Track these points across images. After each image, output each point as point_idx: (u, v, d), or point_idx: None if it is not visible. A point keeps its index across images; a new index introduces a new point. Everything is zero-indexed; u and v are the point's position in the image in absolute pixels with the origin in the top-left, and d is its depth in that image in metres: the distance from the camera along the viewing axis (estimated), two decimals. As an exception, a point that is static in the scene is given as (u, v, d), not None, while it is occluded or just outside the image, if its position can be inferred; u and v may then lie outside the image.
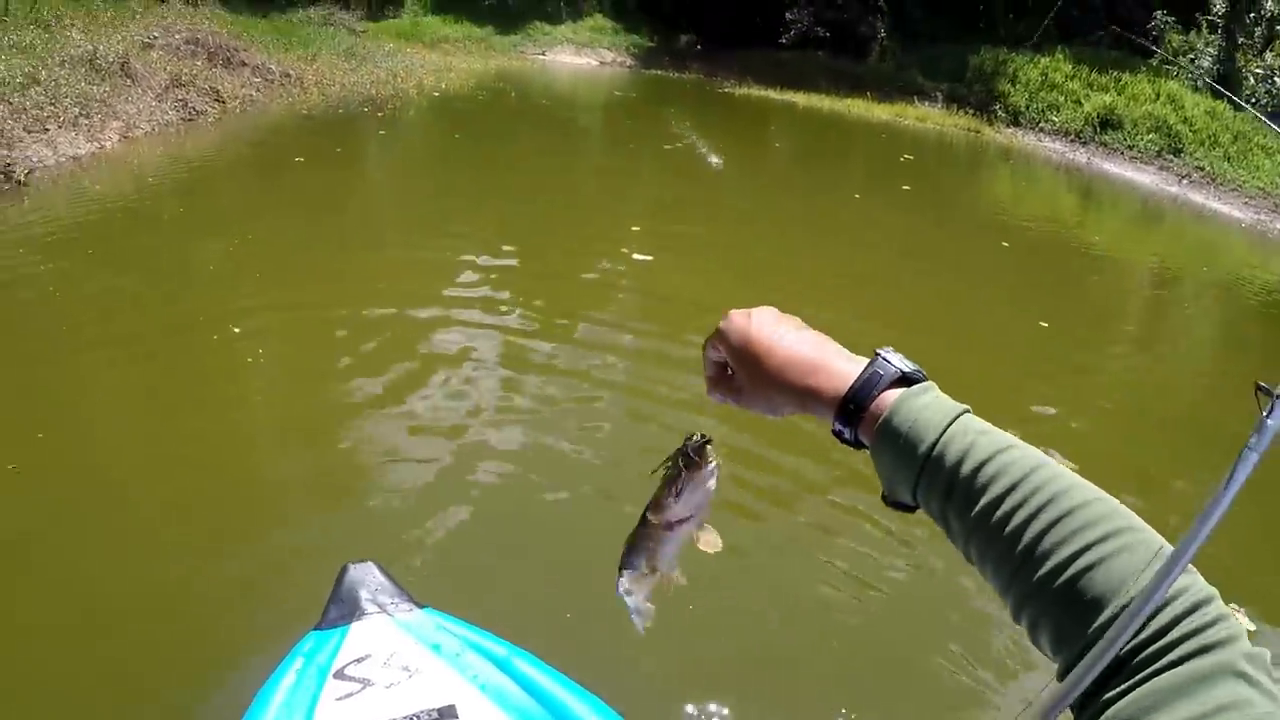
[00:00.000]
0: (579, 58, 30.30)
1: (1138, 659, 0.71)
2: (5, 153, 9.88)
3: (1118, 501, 0.81)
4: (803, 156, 18.45)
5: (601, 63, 30.20)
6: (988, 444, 0.87)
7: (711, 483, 1.13)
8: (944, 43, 27.37)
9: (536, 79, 25.72)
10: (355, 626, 2.57)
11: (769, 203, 13.24)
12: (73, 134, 11.47)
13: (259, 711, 2.30)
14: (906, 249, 11.37)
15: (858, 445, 0.98)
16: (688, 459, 1.12)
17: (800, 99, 24.31)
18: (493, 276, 8.32)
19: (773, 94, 24.90)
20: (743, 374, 1.07)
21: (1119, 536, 0.77)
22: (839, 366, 0.99)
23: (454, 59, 25.51)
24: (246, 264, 8.16)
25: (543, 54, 30.08)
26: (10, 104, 10.86)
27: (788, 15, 28.48)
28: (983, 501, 0.84)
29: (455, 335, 6.97)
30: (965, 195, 16.36)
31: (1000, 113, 23.81)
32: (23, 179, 9.82)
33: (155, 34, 16.23)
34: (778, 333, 1.04)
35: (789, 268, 9.97)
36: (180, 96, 14.31)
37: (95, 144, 11.70)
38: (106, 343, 6.34)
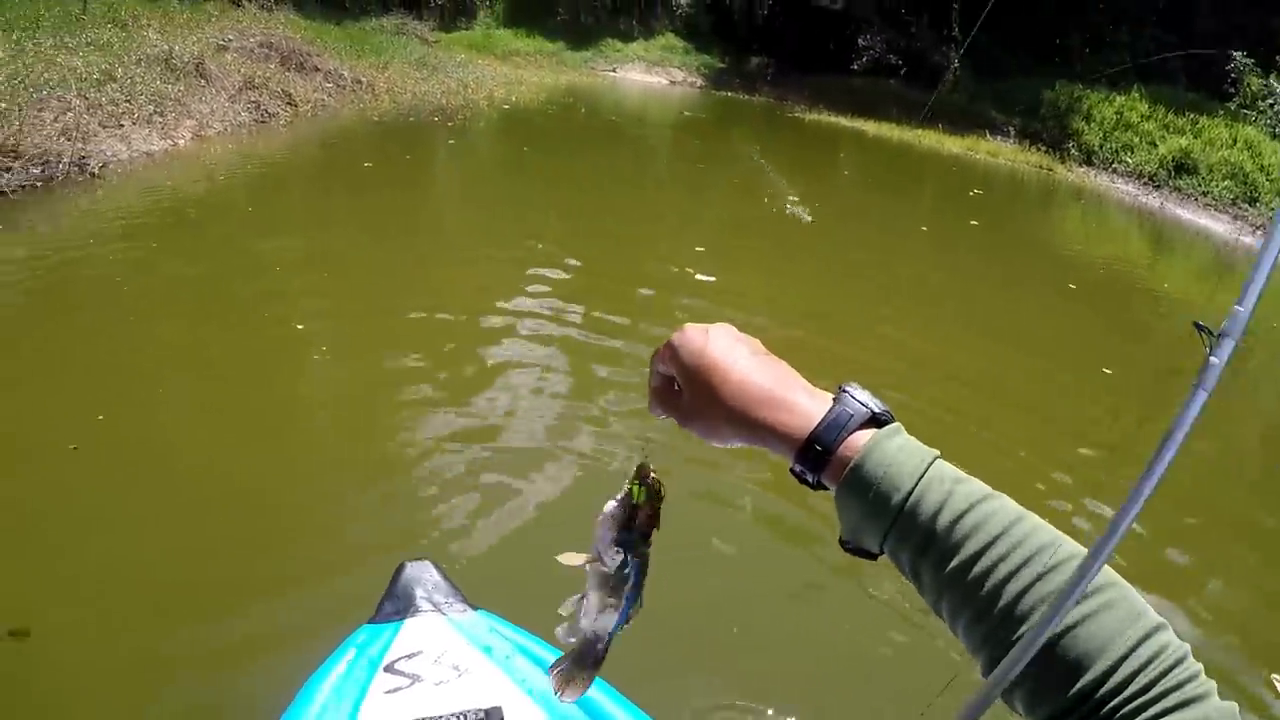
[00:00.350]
0: (649, 76, 30.30)
1: (1123, 712, 0.71)
2: (80, 146, 9.93)
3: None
4: (871, 185, 18.06)
5: (672, 82, 30.16)
6: (965, 494, 0.83)
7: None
8: (1018, 76, 26.93)
9: (606, 95, 25.66)
10: (409, 623, 2.58)
11: (833, 230, 12.87)
12: (147, 130, 11.53)
13: (308, 698, 2.32)
14: (969, 285, 10.97)
15: (817, 487, 0.92)
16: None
17: (870, 127, 24.01)
18: (555, 288, 8.12)
19: (843, 120, 24.64)
20: (691, 395, 0.98)
21: (1101, 594, 0.75)
22: (800, 402, 0.92)
23: (525, 72, 25.60)
24: (312, 263, 8.12)
25: (613, 71, 30.11)
26: (87, 99, 10.93)
27: (860, 41, 28.29)
28: (960, 556, 0.80)
29: (517, 343, 6.88)
30: (1033, 233, 15.84)
31: (1073, 151, 23.25)
32: (96, 172, 9.88)
33: (230, 37, 16.39)
34: (733, 355, 0.96)
35: (847, 295, 9.64)
36: (253, 98, 14.40)
37: (169, 141, 11.76)
38: (170, 331, 6.34)
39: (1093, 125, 23.60)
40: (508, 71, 24.71)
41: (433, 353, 6.56)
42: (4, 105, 9.30)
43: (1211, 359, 0.75)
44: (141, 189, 9.89)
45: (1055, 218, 18.23)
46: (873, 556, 0.91)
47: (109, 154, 10.44)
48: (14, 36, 12.25)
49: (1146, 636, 0.73)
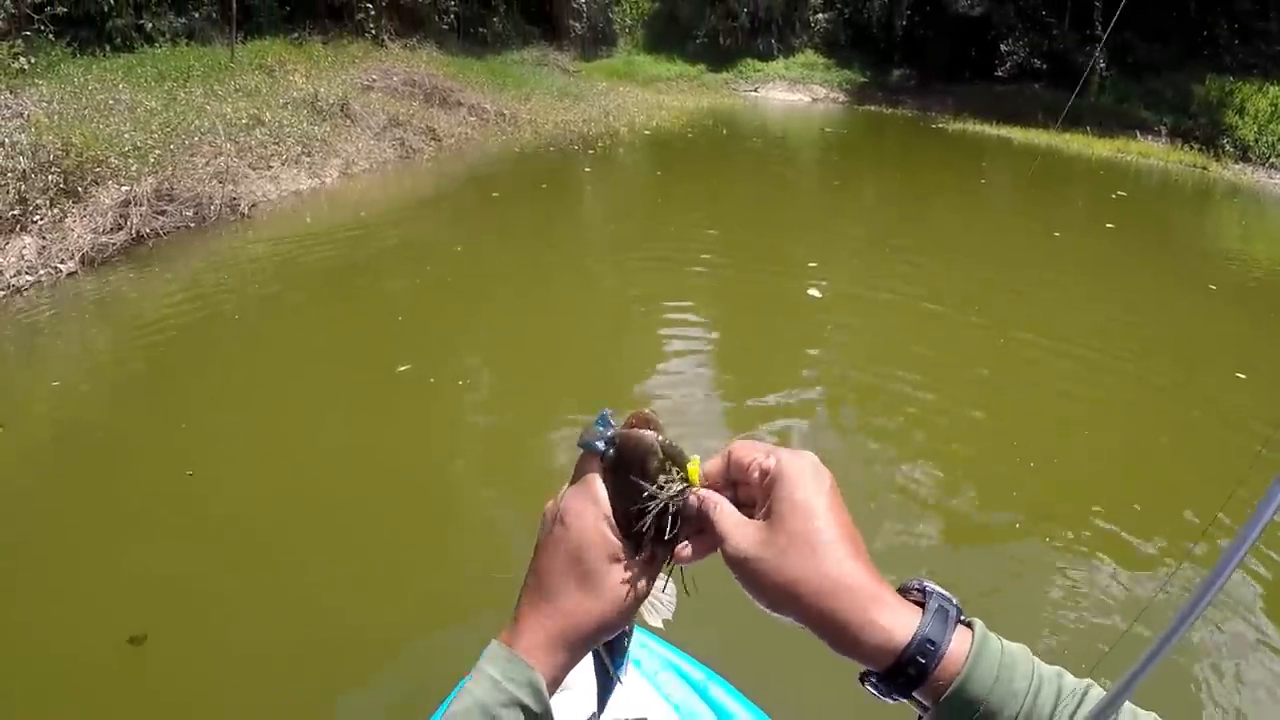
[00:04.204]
0: (791, 94, 29.94)
1: None
2: (231, 188, 10.21)
3: None
4: (1011, 194, 17.10)
5: (814, 99, 29.71)
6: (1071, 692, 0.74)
7: None
8: (1167, 72, 25.52)
9: (747, 116, 25.35)
10: None
11: (962, 241, 12.05)
12: (295, 171, 11.81)
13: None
14: (1093, 290, 10.01)
15: (892, 700, 0.78)
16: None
17: (1017, 134, 23.01)
18: (684, 313, 7.99)
19: (987, 129, 23.74)
20: (777, 532, 0.80)
21: None
22: (890, 604, 0.77)
23: (666, 97, 25.56)
24: (450, 294, 8.19)
25: (755, 90, 29.89)
26: (237, 143, 11.26)
27: (1002, 47, 27.36)
28: None
29: (653, 365, 6.87)
30: (1176, 235, 14.68)
31: (1228, 147, 21.62)
32: (247, 212, 10.15)
33: (374, 77, 16.79)
34: (831, 519, 0.80)
35: (958, 303, 8.88)
36: (397, 135, 14.67)
37: (316, 180, 12.02)
38: (310, 367, 6.55)
39: (1246, 119, 22.01)
40: (649, 97, 24.70)
41: (566, 378, 6.64)
42: (159, 152, 9.57)
43: None
44: (290, 226, 10.09)
45: (1204, 217, 16.97)
46: None
47: (259, 194, 10.71)
48: (166, 86, 12.75)
49: None
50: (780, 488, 0.80)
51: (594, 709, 1.05)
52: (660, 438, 0.85)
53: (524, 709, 0.80)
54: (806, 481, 0.80)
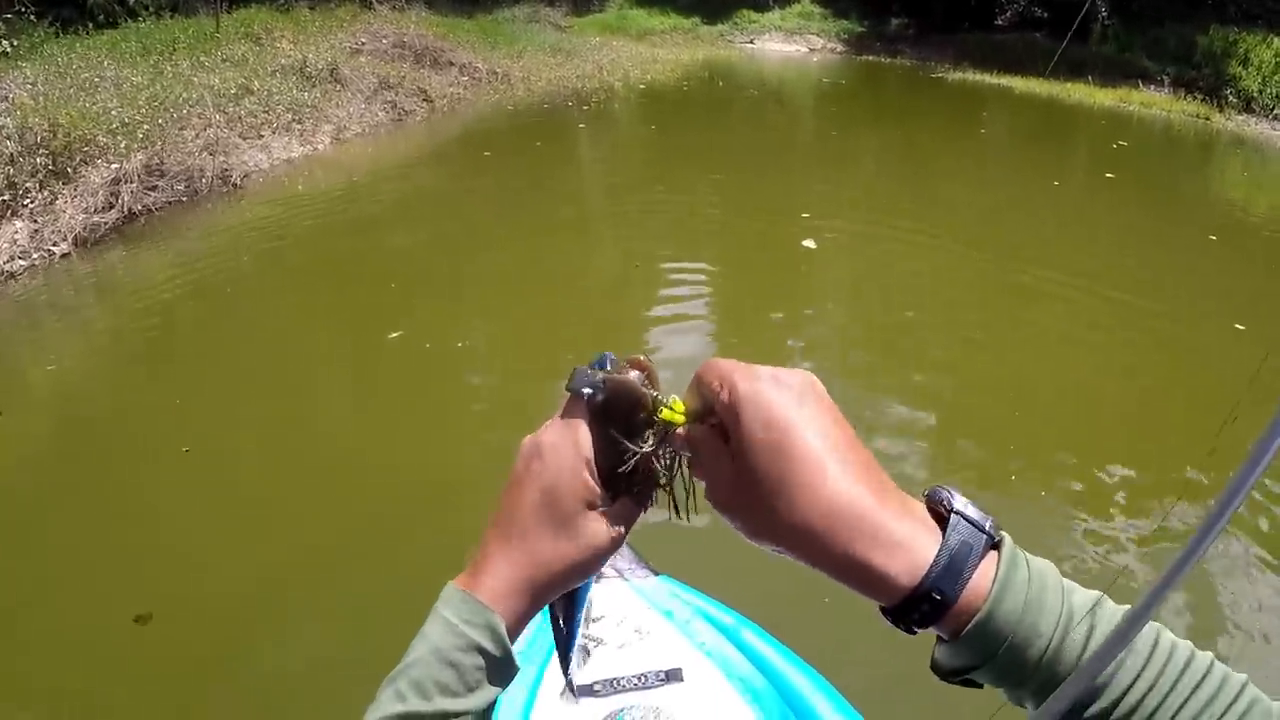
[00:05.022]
0: (788, 45, 29.56)
1: None
2: (223, 159, 10.15)
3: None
4: (1009, 145, 16.93)
5: (811, 49, 29.33)
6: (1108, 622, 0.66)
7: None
8: (1170, 21, 25.16)
9: (744, 68, 25.06)
10: (594, 588, 2.62)
11: (959, 191, 11.96)
12: (286, 139, 11.74)
13: None
14: (1087, 236, 9.98)
15: (915, 630, 0.70)
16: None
17: (1017, 83, 22.67)
18: (681, 267, 8.03)
19: (988, 78, 23.41)
20: (753, 482, 0.71)
21: (1245, 693, 0.64)
22: (900, 531, 0.68)
23: (660, 50, 25.27)
24: (444, 257, 8.23)
25: (751, 42, 29.50)
26: (226, 114, 11.19)
27: (1002, -5, 27.04)
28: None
29: (650, 318, 6.93)
30: (1177, 185, 14.49)
31: (1231, 98, 21.19)
32: (239, 183, 10.10)
33: (363, 40, 16.62)
34: (829, 443, 0.70)
35: (956, 253, 8.93)
36: (389, 98, 14.54)
37: (308, 147, 11.95)
38: (306, 337, 6.67)
39: (1250, 70, 21.53)
40: (643, 51, 24.44)
41: (566, 333, 6.68)
42: (147, 127, 9.51)
43: None
44: (283, 196, 10.07)
45: (1205, 168, 16.71)
46: (979, 686, 0.71)
47: (250, 164, 10.66)
48: (151, 60, 12.66)
49: None
50: (737, 428, 0.72)
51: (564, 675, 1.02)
52: (653, 391, 0.82)
53: (483, 653, 0.76)
54: (764, 411, 0.71)
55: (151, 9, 16.27)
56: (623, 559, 2.81)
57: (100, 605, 3.81)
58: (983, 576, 0.67)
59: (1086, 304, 7.69)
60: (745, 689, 2.39)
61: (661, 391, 0.82)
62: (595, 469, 0.81)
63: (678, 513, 0.88)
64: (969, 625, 0.66)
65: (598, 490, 0.81)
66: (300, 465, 4.94)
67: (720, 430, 0.75)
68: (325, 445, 5.15)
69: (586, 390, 0.81)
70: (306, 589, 3.94)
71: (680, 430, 0.80)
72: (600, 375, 0.82)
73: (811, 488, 0.68)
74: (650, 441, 0.81)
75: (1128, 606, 0.66)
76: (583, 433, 0.81)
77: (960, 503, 0.70)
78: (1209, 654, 0.67)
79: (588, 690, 2.34)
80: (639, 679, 2.38)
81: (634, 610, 2.65)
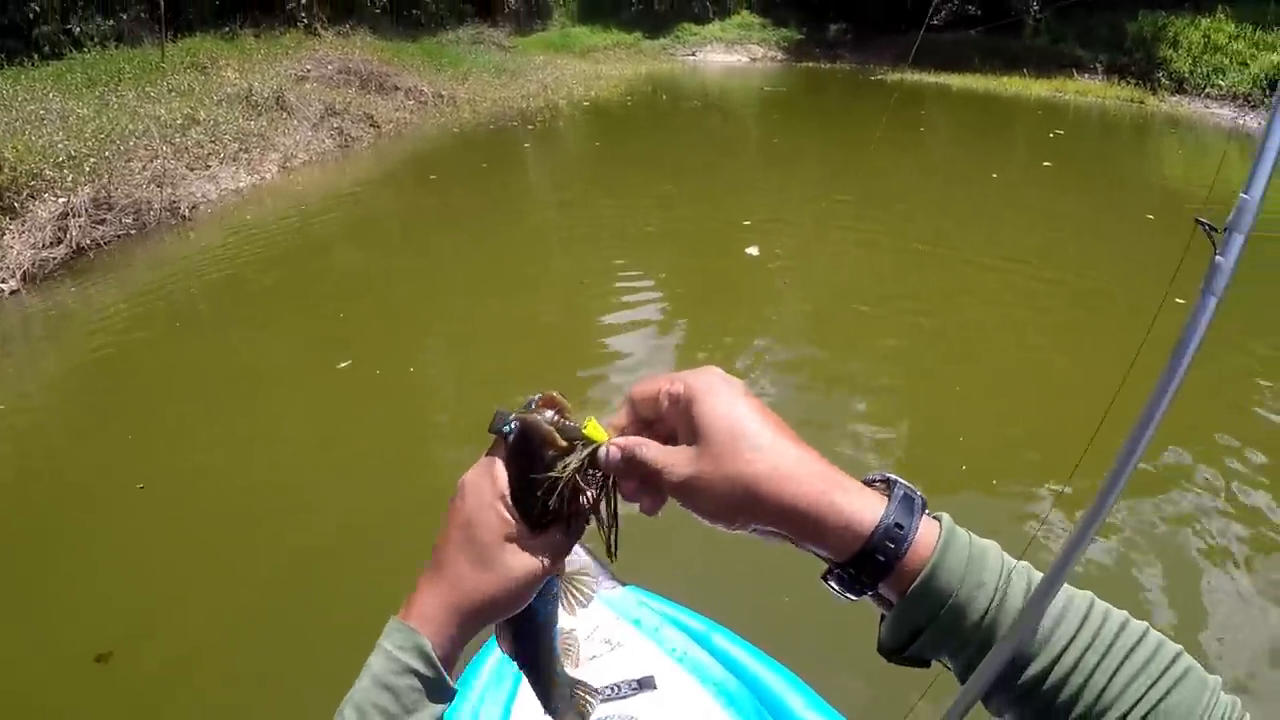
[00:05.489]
0: (729, 55, 29.96)
1: None
2: (170, 191, 10.20)
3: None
4: (948, 141, 17.50)
5: (752, 59, 29.76)
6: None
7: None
8: (1099, 10, 25.76)
9: (686, 80, 25.43)
10: (563, 622, 2.65)
11: (899, 187, 12.28)
12: (233, 168, 11.81)
13: (469, 679, 2.45)
14: (1024, 223, 10.51)
15: (859, 596, 0.76)
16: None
17: (955, 81, 23.22)
18: (628, 281, 8.20)
19: (926, 78, 23.93)
20: (708, 460, 0.75)
21: (1179, 661, 0.69)
22: (853, 484, 0.75)
23: (604, 66, 25.56)
24: (394, 282, 8.30)
25: (693, 54, 29.88)
26: (173, 145, 11.24)
27: (936, -6, 27.47)
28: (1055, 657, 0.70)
29: (597, 336, 7.03)
30: (1114, 169, 14.92)
31: (1164, 80, 21.94)
32: (187, 214, 10.16)
33: (308, 66, 16.72)
34: (763, 420, 0.76)
35: (895, 247, 9.37)
36: (335, 125, 14.65)
37: (255, 176, 12.02)
38: (258, 368, 6.62)
39: (1180, 52, 22.29)
40: (586, 68, 24.71)
41: (522, 351, 6.69)
42: (94, 160, 9.56)
43: (1218, 258, 0.67)
44: (231, 226, 10.14)
45: (1142, 150, 17.34)
46: (926, 665, 0.77)
47: (198, 195, 10.72)
48: (97, 91, 12.69)
49: (1216, 699, 0.68)
50: (696, 404, 0.77)
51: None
52: (558, 418, 0.85)
53: (417, 675, 0.80)
54: (720, 390, 0.77)
55: (96, 39, 16.28)
56: (588, 571, 2.80)
57: (60, 644, 3.81)
58: (926, 534, 0.72)
59: (1026, 287, 8.04)
60: (719, 692, 2.43)
61: (574, 419, 0.85)
62: (511, 503, 0.85)
63: (609, 545, 0.91)
64: (914, 583, 0.71)
65: (513, 523, 0.84)
66: (254, 497, 4.90)
67: (663, 434, 0.82)
68: (279, 476, 5.15)
69: (503, 428, 0.86)
70: (263, 621, 3.94)
71: (606, 444, 0.83)
72: (512, 415, 0.86)
73: (776, 454, 0.74)
74: (568, 467, 0.83)
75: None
76: (498, 469, 0.86)
77: (894, 476, 0.77)
78: (1144, 623, 0.71)
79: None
80: (612, 689, 2.38)
81: (603, 622, 2.65)
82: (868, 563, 0.72)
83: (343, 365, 6.37)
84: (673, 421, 0.81)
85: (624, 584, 2.83)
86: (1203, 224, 0.67)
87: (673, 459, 0.78)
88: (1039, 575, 0.73)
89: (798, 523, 0.73)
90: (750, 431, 0.75)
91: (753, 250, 8.80)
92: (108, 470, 5.18)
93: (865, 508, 0.72)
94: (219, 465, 5.26)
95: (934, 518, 0.75)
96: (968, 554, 0.72)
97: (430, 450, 5.57)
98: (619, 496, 0.86)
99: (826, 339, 7.12)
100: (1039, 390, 6.19)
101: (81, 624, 3.92)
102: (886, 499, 0.74)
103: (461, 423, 5.81)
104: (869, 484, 0.77)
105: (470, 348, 7.02)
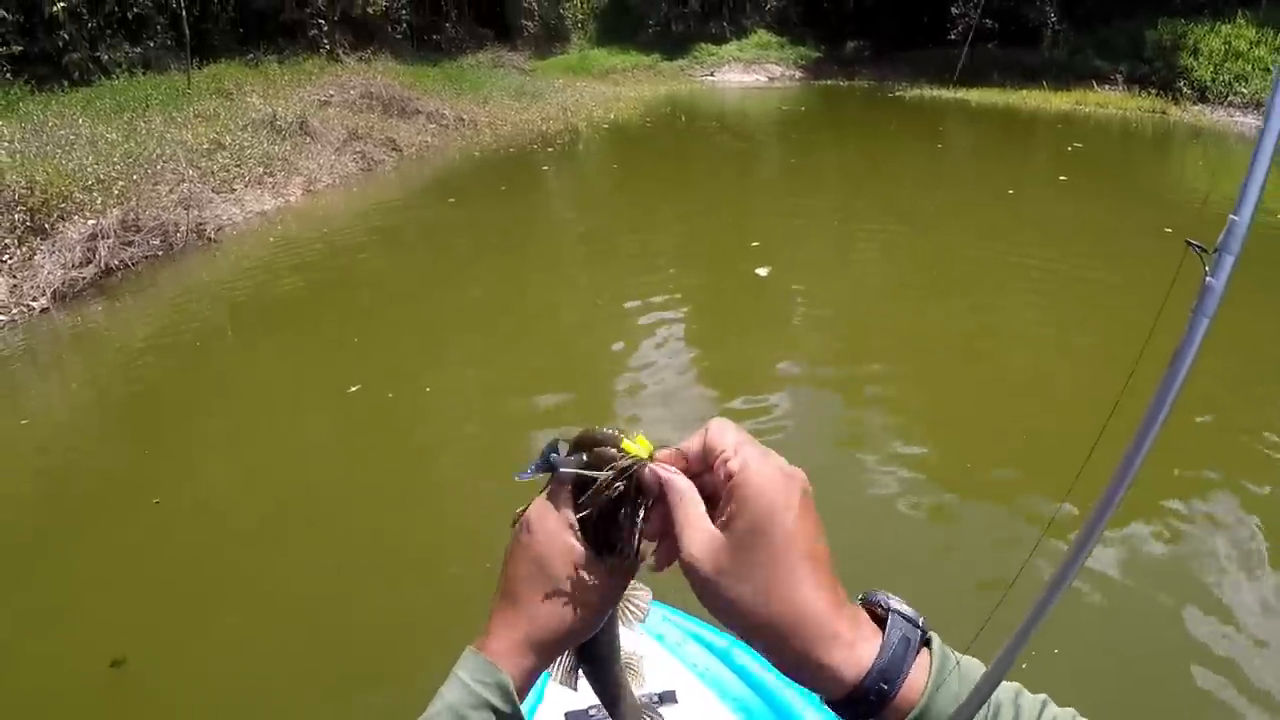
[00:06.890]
0: (747, 75, 30.13)
1: None
2: (196, 213, 10.37)
3: None
4: (965, 158, 17.45)
5: (770, 78, 29.90)
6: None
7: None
8: (1117, 20, 25.64)
9: (705, 100, 25.59)
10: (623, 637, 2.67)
11: (916, 206, 12.25)
12: (258, 191, 12.00)
13: None
14: (1039, 240, 10.39)
15: None
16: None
17: (974, 95, 23.25)
18: (646, 303, 8.17)
19: (945, 93, 23.98)
20: (729, 545, 0.75)
21: None
22: (848, 634, 0.73)
23: (623, 88, 25.80)
24: (415, 305, 8.38)
25: (711, 75, 30.07)
26: (199, 168, 11.44)
27: (953, 9, 27.54)
28: None
29: (618, 359, 7.01)
30: (1131, 182, 14.77)
31: (1185, 89, 21.82)
32: (213, 236, 10.32)
33: (331, 92, 16.98)
34: (806, 540, 0.74)
35: (913, 269, 9.29)
36: (358, 149, 14.85)
37: (280, 199, 12.19)
38: (279, 389, 6.66)
39: (1201, 60, 22.17)
40: (605, 89, 24.95)
41: (535, 368, 6.73)
42: (122, 183, 9.75)
43: (1209, 280, 0.65)
44: (255, 248, 10.28)
45: (1162, 162, 17.14)
46: None
47: (224, 218, 10.89)
48: (125, 117, 12.93)
49: None
50: (741, 503, 0.74)
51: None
52: (611, 450, 0.83)
53: (494, 710, 0.80)
54: (770, 496, 0.74)
55: (124, 66, 16.59)
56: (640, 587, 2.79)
57: (76, 651, 3.85)
58: (918, 675, 0.73)
59: (1040, 303, 8.08)
60: (739, 708, 2.41)
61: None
62: (579, 530, 0.85)
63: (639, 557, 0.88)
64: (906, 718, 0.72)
65: (582, 549, 0.84)
66: (270, 514, 4.94)
67: (703, 486, 0.80)
68: (294, 494, 5.17)
69: (554, 459, 0.85)
70: (274, 635, 3.98)
71: (648, 464, 0.81)
72: (570, 458, 0.85)
73: (789, 587, 0.73)
74: (619, 464, 0.82)
75: (1044, 696, 0.75)
76: (563, 496, 0.86)
77: (895, 602, 0.77)
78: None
79: (582, 716, 2.33)
80: None
81: (624, 636, 2.59)
82: (860, 705, 0.73)
83: (352, 389, 6.36)
84: (716, 490, 0.78)
85: None
86: (1193, 245, 0.67)
87: (697, 542, 0.76)
88: (1029, 698, 0.74)
89: (788, 668, 0.75)
90: (778, 561, 0.73)
91: (762, 271, 8.85)
92: (127, 484, 5.24)
93: (855, 658, 0.72)
94: (236, 481, 5.31)
95: (925, 642, 0.75)
96: (956, 691, 0.72)
97: (446, 468, 5.57)
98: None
99: (843, 356, 7.12)
100: (1052, 403, 6.17)
101: (98, 630, 3.97)
102: (881, 637, 0.74)
103: (476, 440, 5.84)
104: (872, 605, 0.77)
105: (489, 366, 7.05)
